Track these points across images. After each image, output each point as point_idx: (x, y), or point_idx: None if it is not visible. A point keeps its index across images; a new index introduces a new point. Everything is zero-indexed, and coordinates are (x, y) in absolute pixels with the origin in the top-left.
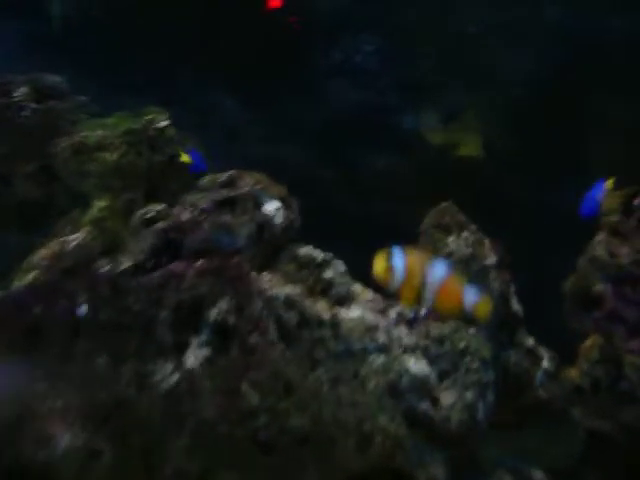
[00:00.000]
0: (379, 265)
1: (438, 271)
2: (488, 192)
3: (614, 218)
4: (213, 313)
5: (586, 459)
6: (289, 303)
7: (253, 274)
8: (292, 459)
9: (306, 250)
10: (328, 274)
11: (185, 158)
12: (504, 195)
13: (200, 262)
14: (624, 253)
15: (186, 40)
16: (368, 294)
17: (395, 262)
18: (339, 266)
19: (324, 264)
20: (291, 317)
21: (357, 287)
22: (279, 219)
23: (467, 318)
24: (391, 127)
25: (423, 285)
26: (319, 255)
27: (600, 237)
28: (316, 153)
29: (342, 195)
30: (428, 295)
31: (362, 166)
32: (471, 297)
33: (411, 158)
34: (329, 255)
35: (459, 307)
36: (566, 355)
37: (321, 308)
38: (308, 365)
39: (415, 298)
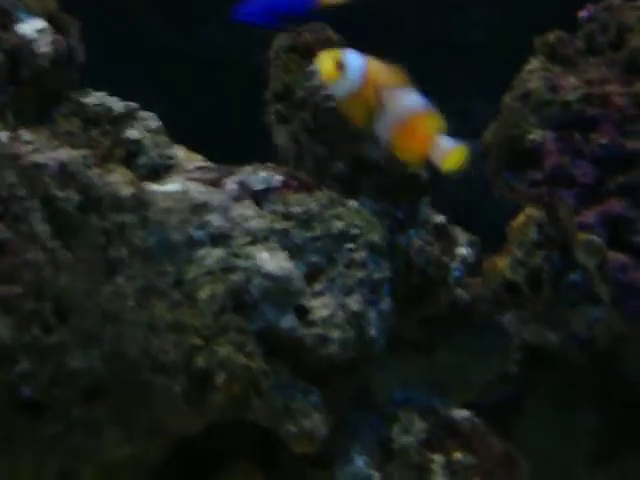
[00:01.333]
0: (326, 59)
1: (409, 98)
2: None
3: (551, 37)
4: None
5: (525, 385)
6: (66, 175)
7: (2, 134)
8: (76, 424)
9: (97, 98)
10: (132, 133)
11: None
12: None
13: None
14: (570, 85)
15: None
16: (196, 160)
17: (350, 59)
18: (151, 120)
19: (126, 118)
20: (69, 197)
21: (179, 152)
22: (45, 46)
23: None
24: None
25: (384, 105)
26: (118, 105)
27: (534, 64)
28: None
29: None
30: (386, 121)
31: None
32: (445, 142)
33: None
34: (134, 105)
35: (424, 151)
36: (491, 238)
37: (121, 179)
38: (100, 271)
39: (367, 117)
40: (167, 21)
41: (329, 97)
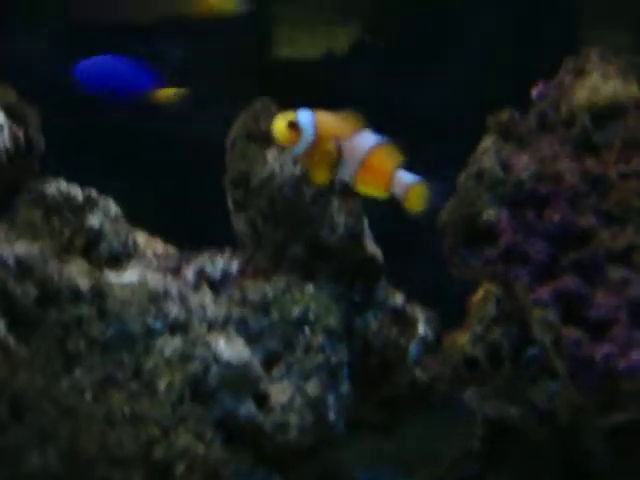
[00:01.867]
0: (280, 122)
1: (364, 138)
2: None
3: (504, 116)
4: None
5: (489, 460)
6: (23, 269)
7: None
8: None
9: (57, 187)
10: (93, 221)
11: None
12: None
13: None
14: (522, 164)
15: None
16: (155, 247)
17: (302, 118)
18: (111, 208)
19: (87, 206)
20: (27, 291)
21: (139, 237)
22: (3, 141)
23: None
24: None
25: (341, 153)
26: (78, 193)
27: (487, 143)
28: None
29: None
30: (347, 166)
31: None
32: (404, 177)
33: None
34: (93, 193)
35: (386, 186)
36: (450, 314)
37: (78, 271)
38: (58, 364)
39: (330, 168)
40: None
41: (284, 184)
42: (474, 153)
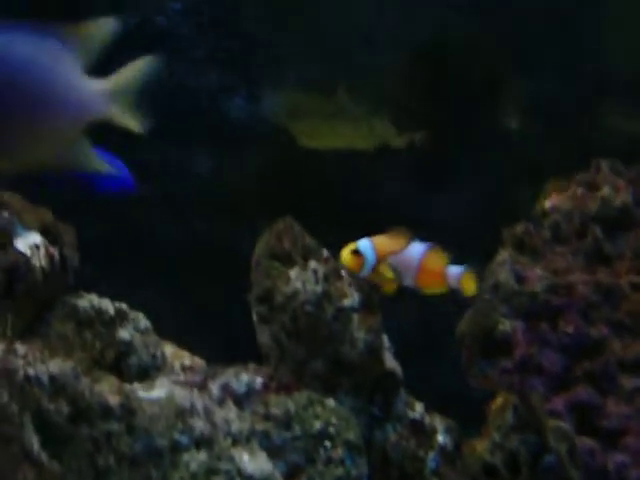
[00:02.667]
0: (346, 254)
1: (415, 249)
2: (357, 199)
3: (519, 229)
4: None
5: None
6: (57, 387)
7: None
8: None
9: (89, 301)
10: (123, 334)
11: None
12: (379, 205)
13: None
14: (536, 276)
15: None
16: (182, 359)
17: (362, 246)
18: (141, 321)
19: (117, 320)
20: (60, 408)
21: (167, 349)
22: (39, 260)
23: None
24: (215, 115)
25: (400, 266)
26: (109, 307)
27: (503, 256)
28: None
29: (152, 212)
30: (407, 274)
31: (177, 170)
32: (454, 270)
33: (247, 157)
34: (124, 307)
35: (443, 283)
36: (470, 422)
37: (109, 388)
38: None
39: (393, 279)
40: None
41: (307, 301)
42: (490, 265)
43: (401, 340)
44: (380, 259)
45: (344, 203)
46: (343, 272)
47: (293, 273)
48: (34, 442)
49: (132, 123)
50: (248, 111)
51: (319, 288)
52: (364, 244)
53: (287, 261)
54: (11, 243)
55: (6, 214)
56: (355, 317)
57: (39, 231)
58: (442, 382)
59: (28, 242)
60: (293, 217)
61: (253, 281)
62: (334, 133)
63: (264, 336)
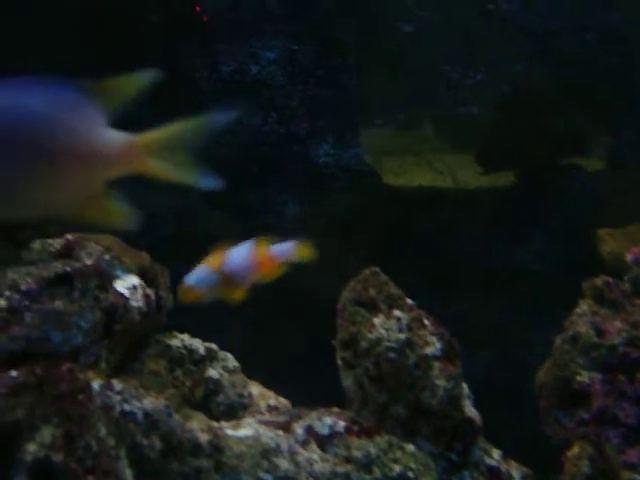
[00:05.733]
0: (180, 291)
1: (240, 249)
2: (440, 249)
3: (599, 281)
4: (31, 448)
5: None
6: (150, 423)
7: (96, 384)
8: None
9: (181, 340)
10: (212, 373)
11: None
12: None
13: (15, 372)
14: (615, 329)
15: None
16: (268, 399)
17: (192, 278)
18: (229, 361)
19: (207, 359)
20: (153, 443)
21: (254, 389)
22: (137, 301)
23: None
24: (304, 162)
25: (237, 271)
26: (199, 347)
27: (582, 307)
28: (200, 200)
29: None
30: (246, 275)
31: (266, 215)
32: (281, 248)
33: (334, 203)
34: (214, 346)
35: (277, 265)
36: (546, 468)
37: (199, 426)
38: None
39: (241, 291)
40: None
41: (390, 349)
42: (570, 317)
43: (482, 386)
44: (219, 277)
45: (426, 250)
46: (426, 321)
47: (377, 320)
48: (128, 475)
49: (182, 175)
50: (335, 156)
51: (402, 336)
52: (193, 277)
53: (372, 308)
54: (112, 285)
55: (107, 257)
56: (436, 365)
57: (137, 273)
58: (520, 430)
59: (127, 284)
60: (376, 261)
61: (338, 326)
62: (420, 169)
63: (347, 381)
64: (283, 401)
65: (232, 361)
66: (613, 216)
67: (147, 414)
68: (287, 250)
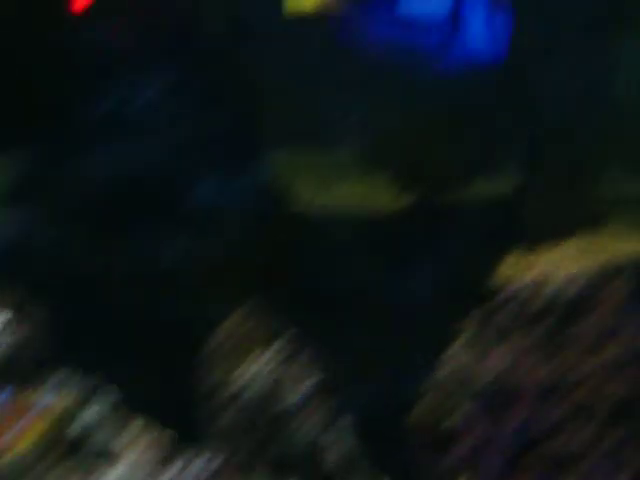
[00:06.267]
0: None
1: None
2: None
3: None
4: None
5: None
6: None
7: None
8: None
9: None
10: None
11: None
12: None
13: None
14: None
15: None
16: (146, 438)
17: None
18: (103, 404)
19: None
20: None
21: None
22: (6, 338)
23: None
24: (186, 200)
25: None
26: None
27: (462, 340)
28: (79, 238)
29: (122, 295)
30: None
31: (147, 255)
32: None
33: (214, 241)
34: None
35: None
36: None
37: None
38: None
39: None
40: None
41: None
42: (451, 349)
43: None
44: None
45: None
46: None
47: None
48: None
49: None
50: (221, 192)
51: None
52: None
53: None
54: None
55: None
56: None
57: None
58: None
59: None
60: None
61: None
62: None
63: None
64: (164, 437)
65: (105, 405)
66: (517, 239)
67: None
68: None
